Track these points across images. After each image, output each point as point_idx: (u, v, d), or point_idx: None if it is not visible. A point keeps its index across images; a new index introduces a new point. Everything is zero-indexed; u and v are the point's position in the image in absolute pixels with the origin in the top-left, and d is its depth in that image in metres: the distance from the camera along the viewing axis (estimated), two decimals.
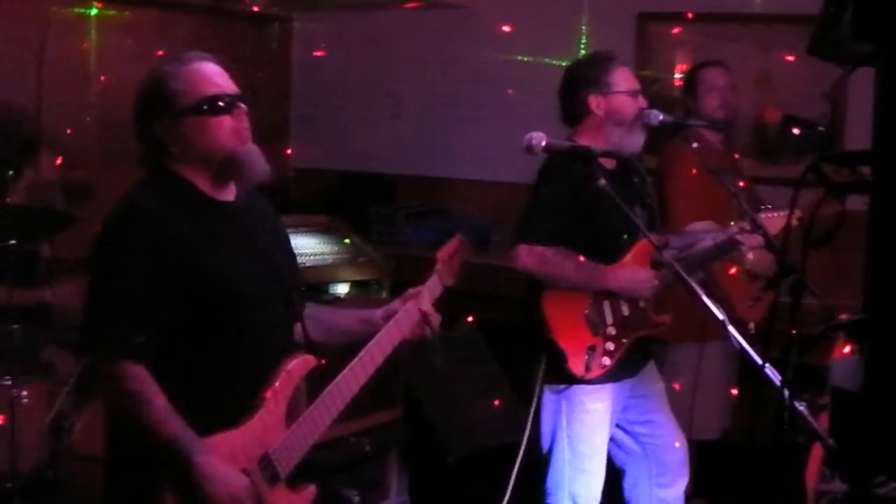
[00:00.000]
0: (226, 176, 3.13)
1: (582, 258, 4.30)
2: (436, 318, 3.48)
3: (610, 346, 4.34)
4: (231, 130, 3.08)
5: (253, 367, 3.08)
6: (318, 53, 8.14)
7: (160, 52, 7.19)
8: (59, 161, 5.96)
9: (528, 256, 4.29)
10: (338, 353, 3.36)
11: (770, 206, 4.63)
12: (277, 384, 3.09)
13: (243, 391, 3.06)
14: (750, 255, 4.86)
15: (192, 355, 3.00)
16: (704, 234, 4.68)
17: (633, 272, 4.35)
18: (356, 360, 3.28)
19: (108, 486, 3.16)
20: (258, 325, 3.10)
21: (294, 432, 3.14)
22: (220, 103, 3.07)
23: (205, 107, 3.06)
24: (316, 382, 3.26)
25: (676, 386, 5.07)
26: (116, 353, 2.89)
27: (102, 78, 6.99)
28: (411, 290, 3.50)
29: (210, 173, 3.11)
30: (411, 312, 3.42)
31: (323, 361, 3.24)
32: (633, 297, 4.36)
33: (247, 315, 3.08)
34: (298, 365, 3.15)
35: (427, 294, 3.51)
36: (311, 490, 3.24)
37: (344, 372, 3.25)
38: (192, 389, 2.97)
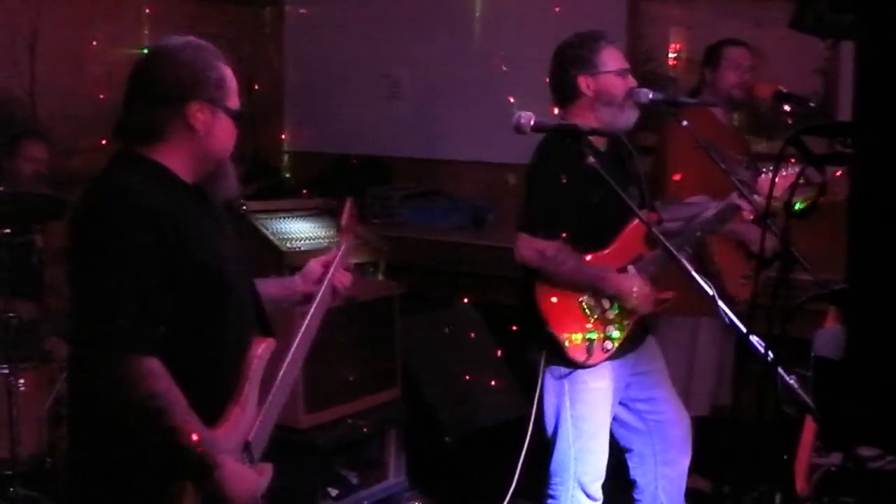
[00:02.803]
0: (209, 177, 3.12)
1: (584, 257, 4.30)
2: (347, 279, 3.49)
3: (610, 330, 4.35)
4: (234, 142, 3.13)
5: (234, 353, 3.07)
6: (312, 36, 8.14)
7: (153, 38, 7.23)
8: (46, 149, 5.94)
9: (528, 249, 4.28)
10: None
11: (766, 170, 4.63)
12: (251, 371, 3.08)
13: (228, 378, 3.05)
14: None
15: (184, 345, 2.93)
16: (700, 205, 4.69)
17: (635, 283, 4.32)
18: (296, 341, 3.28)
19: (108, 486, 2.98)
20: (236, 311, 3.10)
21: (265, 417, 3.14)
22: (241, 118, 3.13)
23: (238, 116, 3.11)
24: None
25: (669, 362, 5.08)
26: (133, 347, 2.81)
27: (95, 65, 6.98)
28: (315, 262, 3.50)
29: (196, 168, 3.08)
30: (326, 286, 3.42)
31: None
32: (627, 306, 4.35)
33: (230, 303, 3.06)
34: (265, 350, 3.14)
35: (340, 261, 3.49)
36: (270, 468, 3.20)
37: (290, 354, 3.24)
38: (185, 379, 2.89)
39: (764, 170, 4.65)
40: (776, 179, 3.85)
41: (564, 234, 4.25)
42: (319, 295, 3.37)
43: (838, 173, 2.44)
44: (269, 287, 3.41)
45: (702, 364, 5.48)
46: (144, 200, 2.90)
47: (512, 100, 5.87)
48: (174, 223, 2.92)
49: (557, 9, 6.85)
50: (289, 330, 3.35)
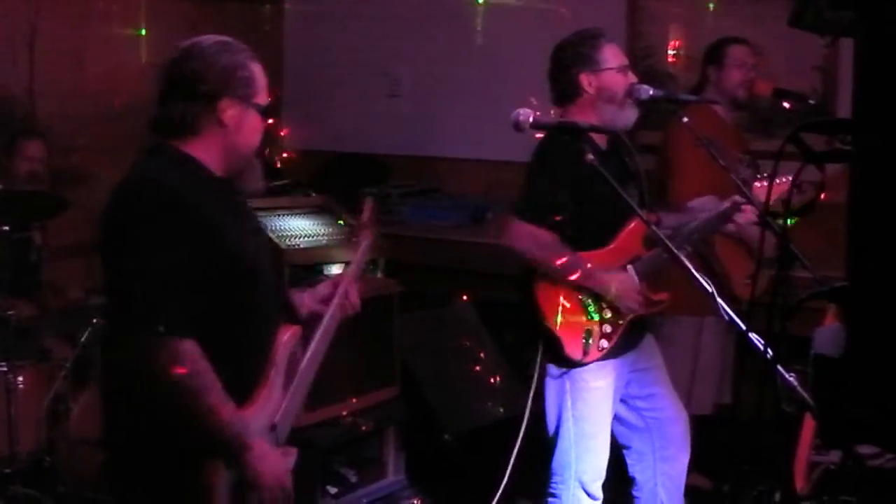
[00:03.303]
0: (237, 171, 3.25)
1: (576, 252, 4.29)
2: (356, 298, 3.58)
3: (607, 328, 4.33)
4: (261, 137, 3.27)
5: (260, 340, 3.20)
6: (311, 34, 8.13)
7: (152, 36, 7.24)
8: (44, 148, 5.94)
9: (521, 235, 4.28)
10: None
11: (765, 175, 4.63)
12: (277, 357, 3.21)
13: (255, 363, 3.17)
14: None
15: (214, 329, 3.03)
16: (703, 210, 4.68)
17: (624, 284, 4.32)
18: (316, 336, 3.41)
19: (140, 466, 3.10)
20: (263, 299, 3.22)
21: (290, 401, 3.26)
22: (270, 114, 3.28)
23: (267, 112, 3.25)
24: None
25: (672, 361, 5.08)
26: (171, 329, 2.92)
27: (93, 63, 6.98)
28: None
29: (226, 161, 3.20)
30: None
31: None
32: (618, 305, 4.33)
33: (257, 290, 3.19)
34: (290, 336, 3.28)
35: (355, 268, 3.64)
36: (295, 451, 3.31)
37: (309, 350, 3.37)
38: (215, 363, 3.00)
39: (759, 176, 4.64)
40: (771, 186, 3.87)
41: (563, 229, 4.24)
42: (329, 314, 3.47)
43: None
44: None
45: (705, 363, 5.47)
46: (175, 190, 3.03)
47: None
48: (203, 213, 3.05)
49: (557, 6, 6.86)
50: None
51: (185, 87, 3.14)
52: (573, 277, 4.26)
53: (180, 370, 2.91)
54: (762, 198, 4.24)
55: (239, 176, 3.26)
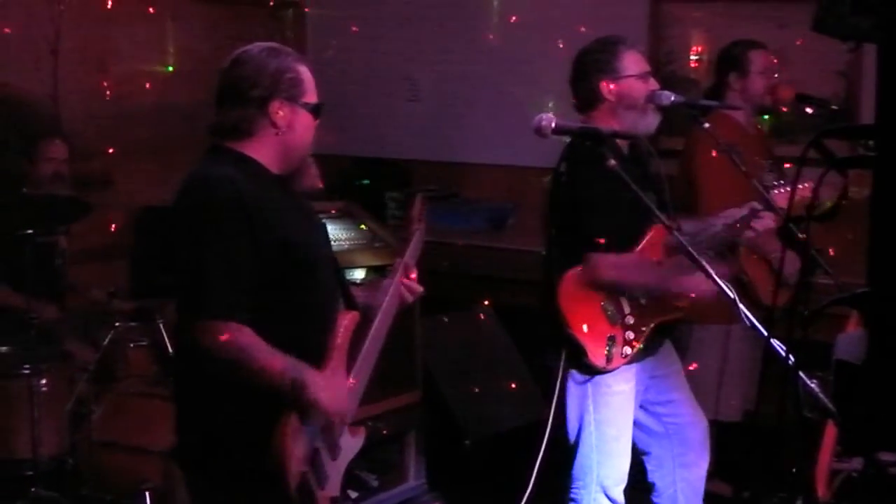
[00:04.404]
0: (293, 169, 3.43)
1: (652, 261, 4.29)
2: (416, 285, 3.76)
3: (630, 335, 4.32)
4: (313, 139, 3.45)
5: (320, 326, 3.36)
6: (333, 39, 8.14)
7: (174, 41, 7.26)
8: (67, 149, 5.97)
9: (607, 269, 4.23)
10: None
11: (783, 182, 4.60)
12: (339, 339, 3.37)
13: (314, 348, 3.31)
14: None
15: (274, 317, 3.22)
16: (722, 218, 4.66)
17: (698, 281, 4.27)
18: (377, 319, 3.56)
19: (219, 430, 3.27)
20: (322, 286, 3.41)
21: (353, 383, 3.43)
22: (321, 112, 3.45)
23: (317, 110, 3.42)
24: None
25: (696, 366, 5.06)
26: (229, 315, 3.12)
27: (116, 68, 7.01)
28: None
29: (281, 160, 3.39)
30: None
31: None
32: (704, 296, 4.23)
33: (316, 278, 3.37)
34: (350, 321, 3.43)
35: (408, 258, 3.79)
36: (363, 430, 3.61)
37: (371, 332, 3.53)
38: (278, 347, 3.18)
39: (777, 183, 4.60)
40: (794, 192, 3.86)
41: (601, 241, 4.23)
42: (387, 298, 3.62)
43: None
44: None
45: (733, 370, 5.45)
46: (233, 187, 3.20)
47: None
48: (260, 207, 3.22)
49: (578, 12, 6.85)
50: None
51: (237, 93, 3.33)
52: (670, 287, 4.27)
53: (227, 350, 3.10)
54: (783, 204, 4.24)
55: (295, 174, 3.44)
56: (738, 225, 4.45)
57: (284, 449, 3.15)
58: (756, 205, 4.40)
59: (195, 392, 3.36)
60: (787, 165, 5.27)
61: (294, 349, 3.22)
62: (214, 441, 3.29)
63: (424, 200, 3.96)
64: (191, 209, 3.24)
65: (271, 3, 8.15)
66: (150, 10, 7.23)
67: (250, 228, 3.18)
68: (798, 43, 5.96)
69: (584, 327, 4.28)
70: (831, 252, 4.10)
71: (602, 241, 4.20)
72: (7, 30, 6.37)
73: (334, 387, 3.27)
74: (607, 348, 4.28)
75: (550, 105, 4.02)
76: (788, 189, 4.40)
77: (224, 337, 3.10)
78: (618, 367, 4.31)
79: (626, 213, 4.19)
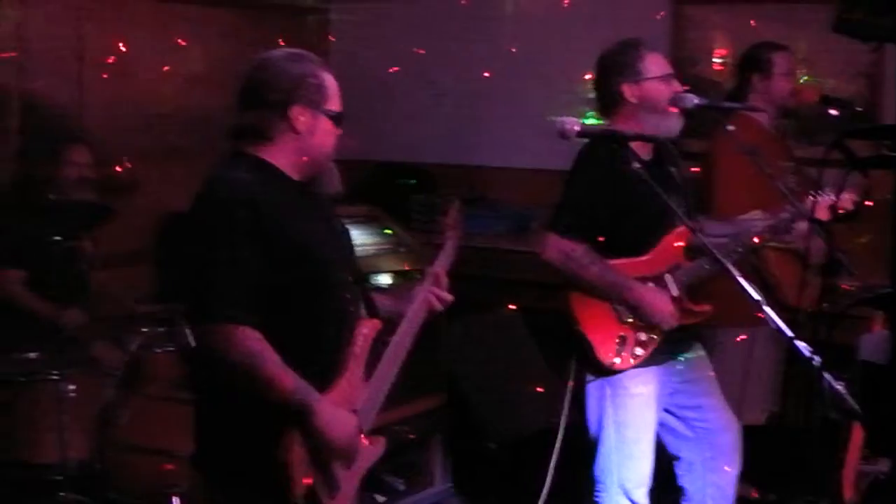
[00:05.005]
0: (314, 174, 3.42)
1: (609, 263, 4.29)
2: (446, 291, 3.75)
3: (642, 336, 4.33)
4: (335, 145, 3.42)
5: (336, 333, 3.35)
6: (356, 44, 8.15)
7: (198, 47, 7.29)
8: (91, 155, 6.00)
9: (554, 249, 4.31)
10: None
11: (818, 192, 4.57)
12: (356, 347, 3.38)
13: (329, 355, 3.33)
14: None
15: (287, 323, 3.23)
16: (748, 223, 4.65)
17: (658, 298, 4.31)
18: (401, 326, 3.58)
19: (229, 437, 3.30)
20: (339, 293, 3.39)
21: (372, 390, 3.44)
22: (342, 120, 3.42)
23: (338, 117, 3.40)
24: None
25: (719, 370, 5.06)
26: (236, 318, 3.12)
27: (140, 73, 7.04)
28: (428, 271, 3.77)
29: (301, 165, 3.37)
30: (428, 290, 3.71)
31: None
32: (649, 320, 4.32)
33: (332, 284, 3.36)
34: (370, 329, 3.43)
35: (441, 265, 3.79)
36: (383, 441, 3.56)
37: (395, 338, 3.55)
38: (288, 355, 3.17)
39: (814, 193, 4.56)
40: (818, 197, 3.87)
41: (601, 238, 4.26)
42: (414, 306, 3.64)
43: None
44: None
45: (757, 373, 5.44)
46: (246, 191, 3.20)
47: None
48: (274, 211, 3.21)
49: (600, 16, 6.85)
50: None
51: (257, 97, 3.33)
52: (603, 287, 4.28)
53: (235, 353, 3.10)
54: (821, 215, 4.23)
55: (316, 179, 3.43)
56: (778, 227, 4.44)
57: (289, 458, 3.16)
58: (793, 209, 4.37)
59: (207, 397, 3.39)
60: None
61: (309, 355, 3.24)
62: (224, 446, 3.32)
63: (460, 209, 3.96)
64: (202, 212, 3.25)
65: (294, 9, 8.18)
66: (174, 15, 7.26)
67: (262, 233, 3.17)
68: (820, 44, 5.95)
69: (594, 325, 4.29)
70: (853, 254, 4.09)
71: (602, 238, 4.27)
72: (31, 37, 6.41)
73: (341, 420, 3.25)
74: (617, 347, 4.28)
75: (573, 109, 4.01)
76: (820, 197, 4.38)
77: (232, 341, 3.11)
78: (630, 368, 4.31)
79: (628, 217, 4.24)
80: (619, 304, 4.31)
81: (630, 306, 4.30)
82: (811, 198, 4.30)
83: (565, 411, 4.44)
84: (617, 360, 4.28)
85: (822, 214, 4.26)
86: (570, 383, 4.43)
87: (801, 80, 5.54)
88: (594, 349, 4.28)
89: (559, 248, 4.29)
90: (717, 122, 4.74)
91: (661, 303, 4.31)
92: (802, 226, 4.38)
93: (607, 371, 4.31)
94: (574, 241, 4.27)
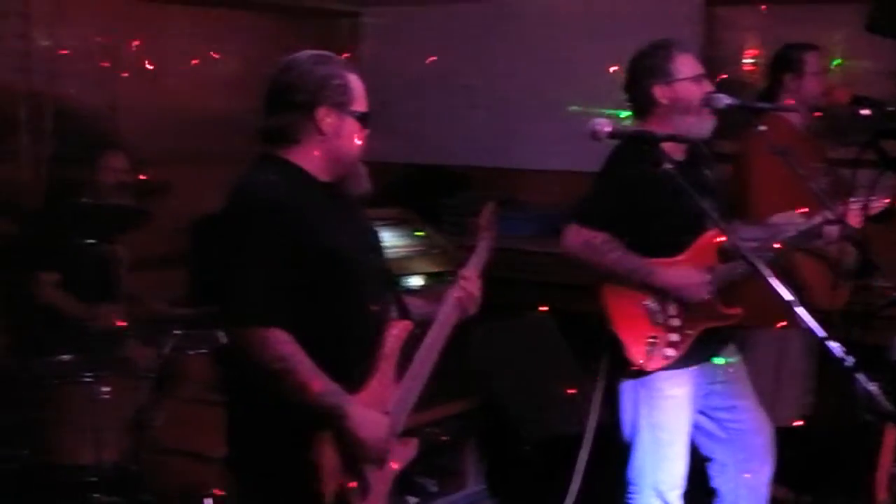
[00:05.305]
0: (342, 177, 3.43)
1: (628, 251, 4.29)
2: (477, 294, 3.76)
3: (674, 337, 4.31)
4: (363, 145, 3.43)
5: (366, 334, 3.37)
6: (389, 47, 8.17)
7: (231, 52, 7.32)
8: (126, 161, 6.03)
9: (574, 238, 4.32)
10: None
11: (854, 198, 4.55)
12: (387, 348, 3.39)
13: (359, 356, 3.35)
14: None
15: (317, 324, 3.24)
16: (786, 225, 4.64)
17: (686, 273, 4.30)
18: (433, 327, 3.60)
19: (261, 439, 3.33)
20: (369, 294, 3.41)
21: (403, 391, 3.46)
22: (369, 120, 3.44)
23: (365, 118, 3.41)
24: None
25: (757, 373, 5.04)
26: (266, 320, 3.13)
27: (174, 79, 7.08)
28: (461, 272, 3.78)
29: (329, 167, 3.38)
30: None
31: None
32: (682, 298, 4.31)
33: (360, 285, 3.37)
34: (401, 331, 3.45)
35: (473, 266, 3.79)
36: (415, 442, 3.58)
37: (426, 340, 3.57)
38: (317, 356, 3.19)
39: (853, 200, 4.53)
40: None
41: (632, 241, 4.25)
42: (446, 307, 3.65)
43: None
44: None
45: (789, 374, 5.42)
46: (273, 192, 3.22)
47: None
48: (302, 213, 3.23)
49: (632, 18, 6.85)
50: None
51: (283, 99, 3.35)
52: (624, 273, 4.27)
53: (267, 356, 3.12)
54: (853, 222, 4.22)
55: (345, 180, 3.43)
56: (811, 232, 4.43)
57: (320, 460, 3.17)
58: (829, 215, 4.35)
59: (239, 399, 3.41)
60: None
61: (339, 356, 3.24)
62: (255, 448, 3.34)
63: (494, 210, 3.97)
64: (230, 214, 3.27)
65: (327, 13, 8.20)
66: (206, 21, 7.29)
67: (290, 234, 3.18)
68: (851, 43, 5.92)
69: (625, 324, 4.29)
70: (886, 255, 4.08)
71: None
72: (66, 43, 6.45)
73: (373, 422, 3.26)
74: (648, 348, 4.28)
75: (605, 110, 4.01)
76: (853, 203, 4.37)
77: (264, 343, 3.12)
78: (659, 369, 4.31)
79: (659, 219, 4.23)
80: (657, 302, 4.29)
81: (657, 290, 4.29)
82: (843, 204, 4.29)
83: (595, 409, 4.43)
84: (647, 361, 4.27)
85: (855, 220, 4.25)
86: (600, 381, 4.42)
87: (833, 81, 5.50)
88: (625, 348, 4.28)
89: (579, 237, 4.29)
90: (748, 122, 4.72)
91: (688, 276, 4.29)
92: (833, 230, 4.37)
93: (637, 371, 4.31)
94: (594, 229, 4.26)
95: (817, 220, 4.41)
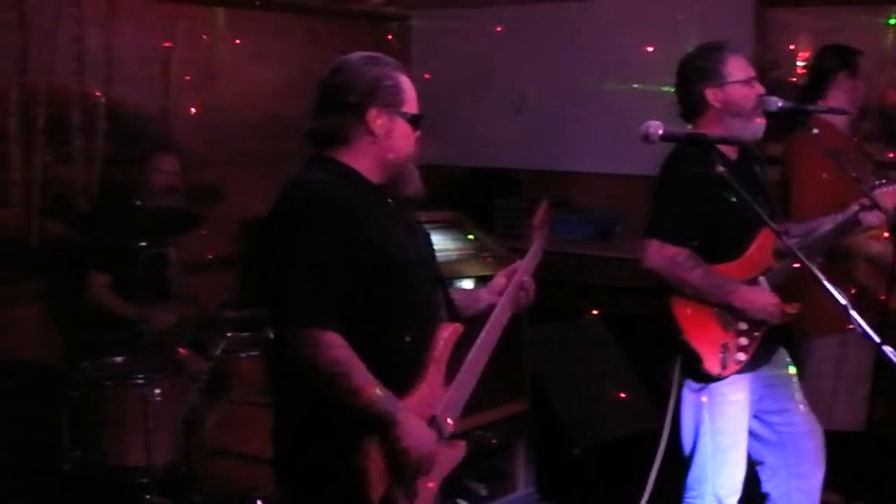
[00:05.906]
0: (393, 179, 3.40)
1: (710, 267, 4.26)
2: (531, 286, 3.72)
3: (743, 341, 4.28)
4: (415, 147, 3.41)
5: (416, 336, 3.33)
6: (438, 50, 8.18)
7: (281, 54, 7.35)
8: (178, 163, 6.07)
9: (657, 255, 4.25)
10: None
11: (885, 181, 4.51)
12: (437, 352, 3.37)
13: (409, 359, 3.32)
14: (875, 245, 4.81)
15: (367, 325, 3.21)
16: (824, 219, 4.60)
17: (761, 296, 4.27)
18: (485, 328, 3.56)
19: (307, 442, 3.31)
20: (419, 296, 3.37)
21: (452, 395, 3.41)
22: (420, 122, 3.42)
23: (416, 120, 3.39)
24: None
25: (814, 378, 5.00)
26: (323, 323, 3.11)
27: (225, 81, 7.11)
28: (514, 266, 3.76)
29: (380, 168, 3.36)
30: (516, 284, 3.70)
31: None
32: (755, 319, 4.29)
33: (411, 288, 3.33)
34: (451, 333, 3.42)
35: (527, 264, 3.76)
36: (462, 445, 3.51)
37: (478, 341, 3.52)
38: (367, 358, 3.16)
39: (880, 182, 4.51)
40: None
41: (695, 243, 4.22)
42: (499, 307, 3.62)
43: None
44: (455, 296, 3.67)
45: (850, 378, 5.37)
46: (325, 193, 3.21)
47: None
48: (353, 214, 3.21)
49: (684, 18, 6.82)
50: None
51: (334, 100, 3.33)
52: (707, 291, 4.24)
53: (322, 359, 3.10)
54: (889, 203, 4.19)
55: (397, 182, 3.40)
56: (848, 222, 4.39)
57: (366, 464, 3.15)
58: (864, 201, 4.32)
59: (286, 401, 3.40)
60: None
61: (388, 358, 3.23)
62: (302, 450, 3.32)
63: (548, 209, 3.96)
64: (282, 215, 3.25)
65: (378, 16, 8.22)
66: (259, 24, 7.33)
67: (343, 236, 3.16)
68: None
69: (698, 334, 4.26)
70: None
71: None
72: (119, 46, 6.50)
73: (422, 433, 3.24)
74: (721, 355, 4.24)
75: (657, 113, 3.98)
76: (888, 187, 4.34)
77: (319, 347, 3.11)
78: (732, 375, 4.28)
79: (719, 221, 4.20)
80: (722, 307, 4.26)
81: (733, 308, 4.26)
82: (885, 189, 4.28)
83: (668, 419, 4.39)
84: (722, 368, 4.24)
85: (891, 202, 4.21)
86: (673, 388, 4.37)
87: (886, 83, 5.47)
88: (701, 359, 4.24)
89: (663, 255, 4.23)
90: (796, 124, 4.68)
91: (765, 298, 4.26)
92: (871, 218, 4.33)
93: (713, 378, 4.27)
94: (676, 244, 4.23)
95: (853, 207, 4.37)
